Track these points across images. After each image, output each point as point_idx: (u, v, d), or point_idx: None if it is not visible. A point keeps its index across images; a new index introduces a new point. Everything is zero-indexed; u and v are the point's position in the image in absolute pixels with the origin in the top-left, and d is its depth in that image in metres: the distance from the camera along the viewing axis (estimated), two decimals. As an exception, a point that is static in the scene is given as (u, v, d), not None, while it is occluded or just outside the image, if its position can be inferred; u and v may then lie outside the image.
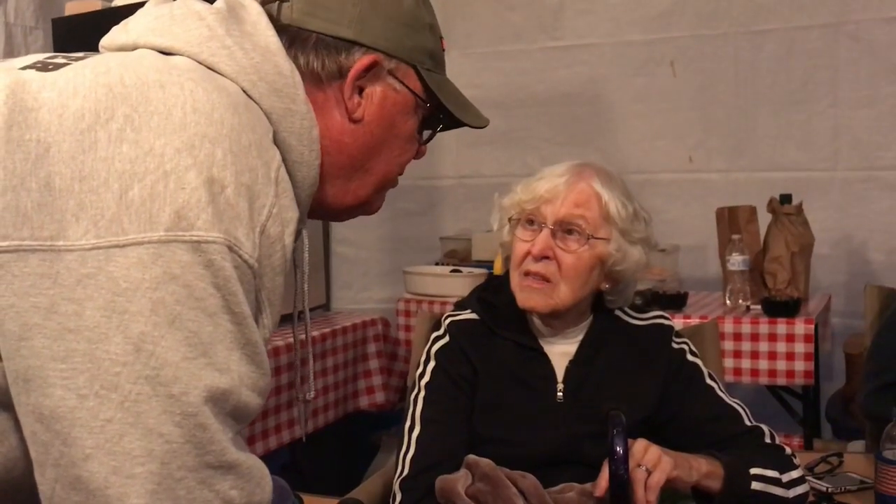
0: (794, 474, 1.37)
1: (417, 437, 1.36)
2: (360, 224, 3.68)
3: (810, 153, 2.95)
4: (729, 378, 2.34)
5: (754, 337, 2.30)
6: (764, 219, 2.61)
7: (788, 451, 1.41)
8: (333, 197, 0.92)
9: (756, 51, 2.98)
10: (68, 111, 0.73)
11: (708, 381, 1.46)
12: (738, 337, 2.32)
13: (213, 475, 0.73)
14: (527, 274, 1.39)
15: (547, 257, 1.37)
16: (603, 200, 1.39)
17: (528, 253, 1.38)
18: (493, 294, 1.48)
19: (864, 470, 1.79)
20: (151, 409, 0.70)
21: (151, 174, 0.71)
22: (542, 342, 1.43)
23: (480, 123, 0.98)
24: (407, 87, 0.91)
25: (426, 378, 1.41)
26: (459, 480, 1.31)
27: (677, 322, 1.56)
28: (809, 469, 1.84)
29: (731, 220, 2.59)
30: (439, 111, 0.93)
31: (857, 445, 2.11)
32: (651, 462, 1.23)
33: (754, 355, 2.30)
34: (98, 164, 0.71)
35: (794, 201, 2.59)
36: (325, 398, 2.37)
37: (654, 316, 1.50)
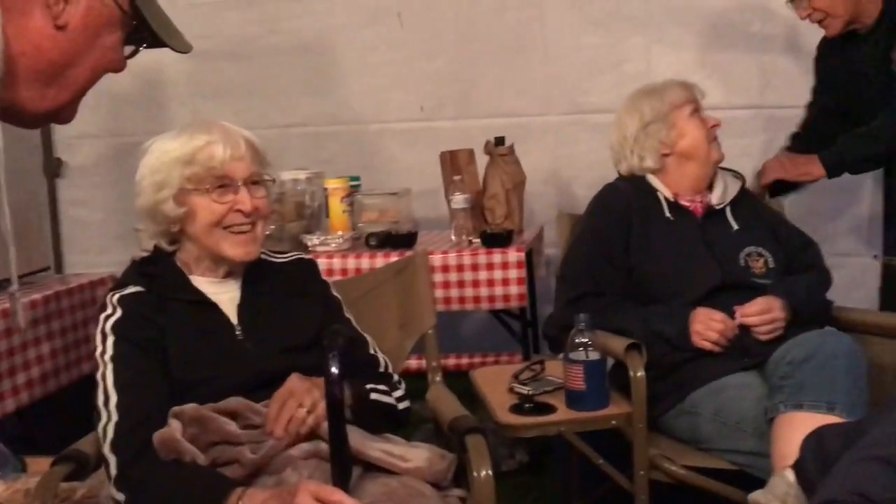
0: (398, 393, 1.62)
1: (116, 405, 1.39)
2: (92, 184, 3.52)
3: (526, 100, 3.22)
4: (456, 306, 2.55)
5: (474, 267, 2.52)
6: (483, 160, 2.84)
7: (396, 378, 1.66)
8: (30, 101, 0.93)
9: (474, 4, 3.19)
10: None
11: (346, 314, 1.68)
12: (461, 268, 2.53)
13: None
14: (228, 228, 1.51)
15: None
16: (256, 145, 1.55)
17: (228, 211, 1.51)
18: (151, 267, 1.58)
19: (562, 374, 2.05)
20: None
21: None
22: (208, 296, 1.55)
23: (184, 49, 1.03)
24: (114, 0, 0.94)
25: (109, 352, 1.44)
26: (175, 431, 1.36)
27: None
28: (515, 376, 2.08)
29: (453, 163, 2.78)
30: (144, 30, 0.98)
31: (564, 357, 2.39)
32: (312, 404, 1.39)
33: (475, 284, 2.52)
34: None
35: (515, 145, 2.83)
36: (54, 362, 2.28)
37: (294, 254, 1.71)
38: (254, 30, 3.31)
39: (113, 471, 1.34)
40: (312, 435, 1.38)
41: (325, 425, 1.34)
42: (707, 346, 1.89)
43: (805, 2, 2.23)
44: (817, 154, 2.25)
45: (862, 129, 2.22)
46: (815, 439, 1.09)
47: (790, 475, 1.09)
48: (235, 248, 1.52)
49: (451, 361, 2.94)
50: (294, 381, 1.42)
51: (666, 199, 2.10)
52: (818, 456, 1.03)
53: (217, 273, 1.57)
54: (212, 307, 1.53)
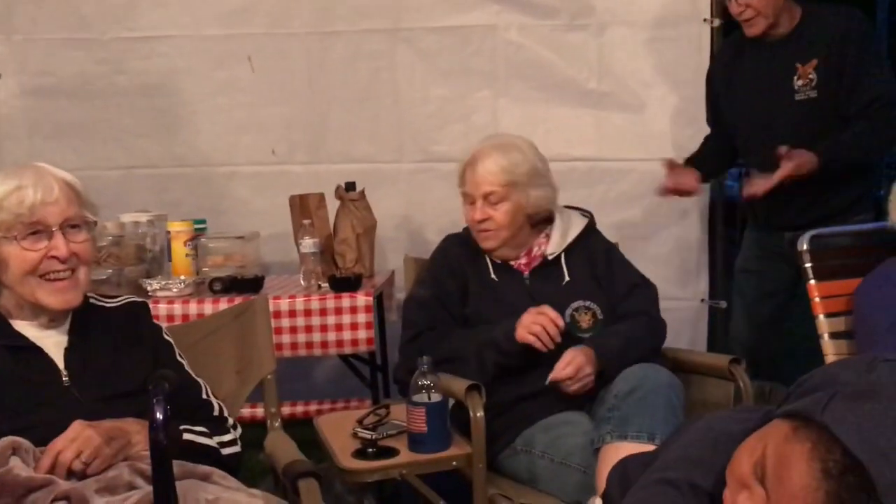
0: (227, 438, 1.58)
1: None
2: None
3: (378, 147, 3.26)
4: (303, 352, 2.52)
5: (322, 312, 2.50)
6: (334, 205, 2.84)
7: (230, 422, 1.62)
8: None
9: (326, 51, 3.21)
10: None
11: (179, 358, 1.63)
12: (308, 313, 2.51)
13: None
14: (45, 276, 1.45)
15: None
16: (75, 187, 1.50)
17: (43, 258, 1.44)
18: None
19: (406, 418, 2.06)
20: None
21: None
22: (32, 340, 1.48)
23: None
24: None
25: None
26: None
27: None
28: (359, 421, 2.08)
29: (303, 207, 2.78)
30: None
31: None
32: (87, 449, 1.33)
33: (324, 328, 2.50)
34: None
35: (366, 190, 2.85)
36: None
37: (125, 298, 1.65)
38: (98, 69, 3.20)
39: None
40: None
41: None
42: (530, 339, 1.89)
43: None
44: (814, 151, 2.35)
45: (844, 136, 2.39)
46: (620, 468, 1.16)
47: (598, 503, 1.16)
48: (52, 297, 1.46)
49: (300, 408, 2.90)
50: (75, 429, 1.35)
51: (490, 259, 2.15)
52: (622, 484, 1.09)
53: (39, 321, 1.50)
54: (37, 352, 1.46)
